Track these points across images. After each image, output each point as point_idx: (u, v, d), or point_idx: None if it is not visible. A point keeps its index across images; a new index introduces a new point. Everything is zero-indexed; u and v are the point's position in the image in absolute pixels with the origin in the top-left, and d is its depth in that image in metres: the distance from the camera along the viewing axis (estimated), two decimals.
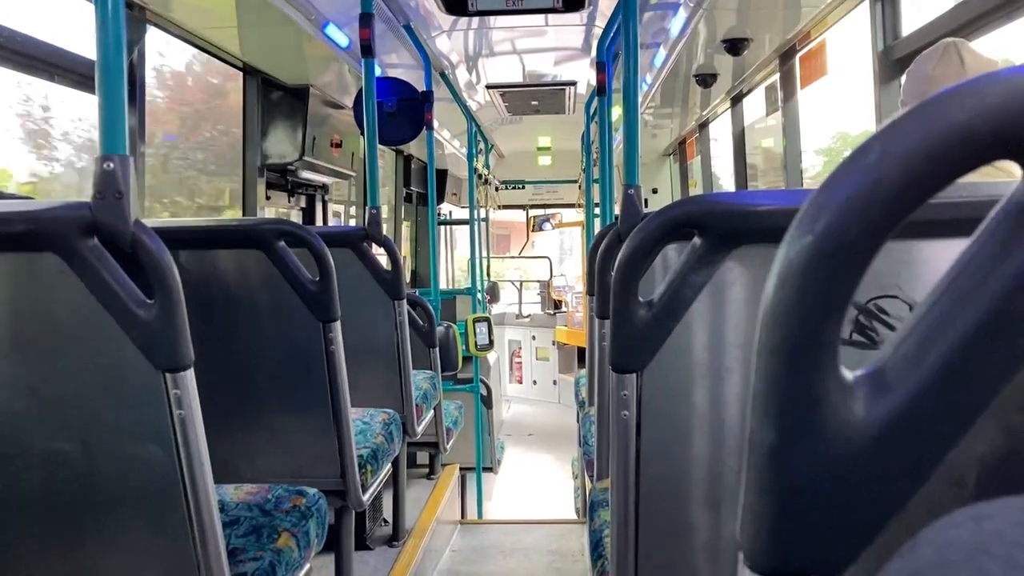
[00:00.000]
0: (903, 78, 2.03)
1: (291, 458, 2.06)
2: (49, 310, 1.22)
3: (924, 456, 0.41)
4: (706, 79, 4.68)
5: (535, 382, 10.46)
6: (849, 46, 3.67)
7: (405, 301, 2.63)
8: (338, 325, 1.97)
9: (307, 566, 1.61)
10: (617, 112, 4.84)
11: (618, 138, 6.18)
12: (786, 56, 4.10)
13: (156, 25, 3.20)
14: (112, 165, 1.17)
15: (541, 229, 10.78)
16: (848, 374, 0.42)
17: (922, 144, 0.38)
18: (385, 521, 3.12)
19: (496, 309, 9.59)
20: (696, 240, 1.13)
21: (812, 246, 0.40)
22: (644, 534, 1.23)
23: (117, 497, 1.27)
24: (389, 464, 2.44)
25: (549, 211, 10.50)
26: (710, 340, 1.18)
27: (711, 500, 1.22)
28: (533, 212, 10.55)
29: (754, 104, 5.09)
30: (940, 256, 1.08)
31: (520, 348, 10.57)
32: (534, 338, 10.41)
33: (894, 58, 2.94)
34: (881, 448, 0.41)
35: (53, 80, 2.71)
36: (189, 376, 1.22)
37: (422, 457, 4.01)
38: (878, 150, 0.39)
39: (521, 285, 11.22)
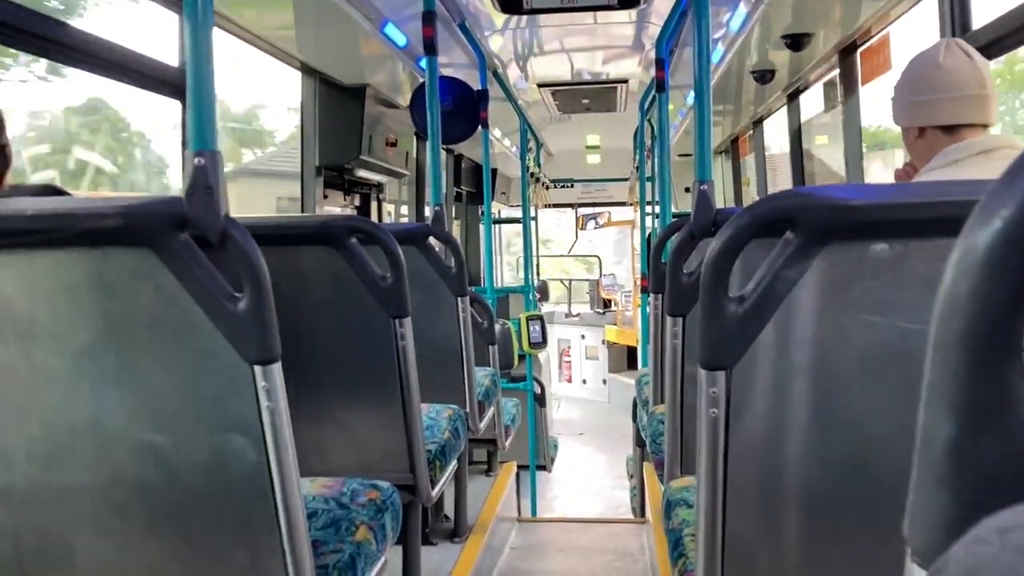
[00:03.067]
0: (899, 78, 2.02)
1: (361, 453, 2.07)
2: (140, 304, 1.24)
3: None
4: (764, 75, 4.62)
5: (584, 381, 10.44)
6: (913, 41, 3.59)
7: (468, 298, 2.64)
8: (409, 321, 1.98)
9: (383, 559, 1.62)
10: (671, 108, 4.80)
11: (673, 135, 6.14)
12: (847, 51, 4.03)
13: (217, 25, 3.25)
14: (203, 161, 1.19)
15: (584, 228, 10.77)
16: None
17: None
18: (446, 517, 3.14)
19: (545, 308, 9.60)
20: (789, 235, 1.11)
21: (1000, 232, 0.38)
22: (731, 533, 1.21)
23: (205, 488, 1.29)
24: (455, 460, 2.45)
25: (597, 209, 10.48)
26: (794, 338, 1.16)
27: (798, 499, 1.20)
28: (582, 211, 10.53)
29: (811, 101, 5.02)
30: None
31: (569, 347, 10.56)
32: (583, 337, 10.40)
33: None
34: None
35: (117, 79, 2.76)
36: (277, 369, 1.23)
37: (479, 454, 4.02)
38: None
39: (571, 283, 11.20)
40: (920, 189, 1.13)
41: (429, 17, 2.82)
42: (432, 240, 2.61)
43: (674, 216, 3.44)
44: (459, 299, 2.60)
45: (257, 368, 1.21)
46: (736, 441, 1.19)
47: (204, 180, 1.19)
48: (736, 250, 1.11)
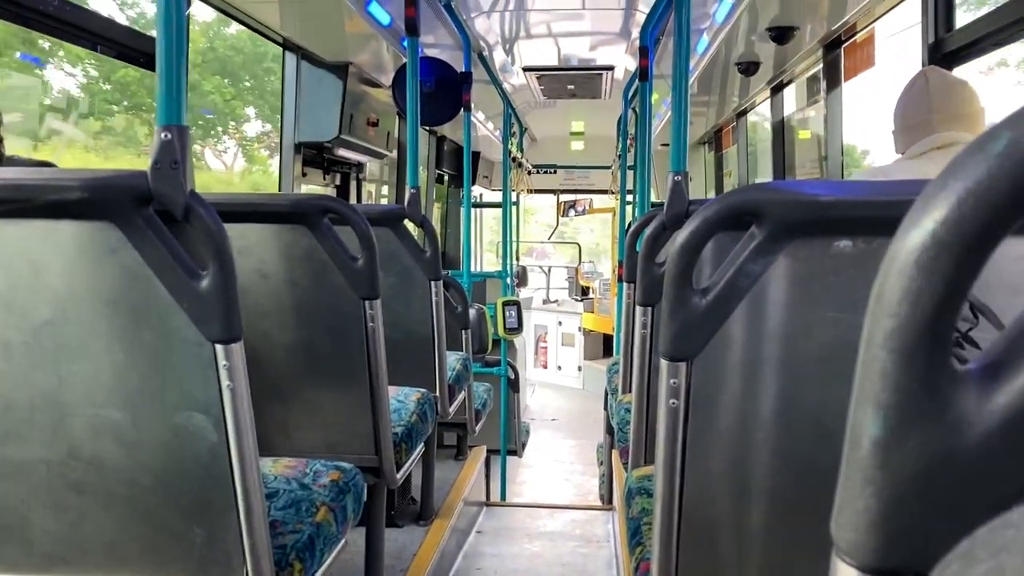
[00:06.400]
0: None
1: (327, 434, 2.06)
2: (102, 278, 1.23)
3: None
4: (748, 67, 4.62)
5: (560, 367, 10.46)
6: (895, 38, 3.61)
7: (442, 282, 2.63)
8: (379, 303, 1.97)
9: (343, 540, 1.62)
10: (654, 98, 4.79)
11: (656, 125, 6.14)
12: (831, 46, 4.04)
13: None
14: (170, 136, 1.17)
15: (566, 215, 10.75)
16: (958, 366, 0.40)
17: None
18: (413, 500, 3.14)
19: (523, 293, 9.59)
20: (754, 229, 1.11)
21: (933, 235, 0.38)
22: (687, 523, 1.22)
23: (163, 466, 1.28)
24: (423, 443, 2.44)
25: (579, 196, 10.46)
26: (758, 331, 1.17)
27: (756, 491, 1.21)
28: (564, 197, 10.52)
29: (794, 94, 5.03)
30: (1000, 253, 1.06)
31: (546, 333, 10.57)
32: (560, 323, 10.41)
33: (945, 51, 2.88)
34: (995, 443, 0.40)
35: (96, 50, 2.72)
36: (239, 348, 1.22)
37: (449, 438, 4.03)
38: (1007, 138, 0.38)
39: (549, 270, 11.19)
40: (884, 187, 1.14)
41: None
42: (408, 223, 2.60)
43: (653, 205, 3.44)
44: (433, 283, 2.59)
45: (219, 347, 1.21)
46: (698, 431, 1.20)
47: (170, 154, 1.17)
48: (701, 243, 1.11)
